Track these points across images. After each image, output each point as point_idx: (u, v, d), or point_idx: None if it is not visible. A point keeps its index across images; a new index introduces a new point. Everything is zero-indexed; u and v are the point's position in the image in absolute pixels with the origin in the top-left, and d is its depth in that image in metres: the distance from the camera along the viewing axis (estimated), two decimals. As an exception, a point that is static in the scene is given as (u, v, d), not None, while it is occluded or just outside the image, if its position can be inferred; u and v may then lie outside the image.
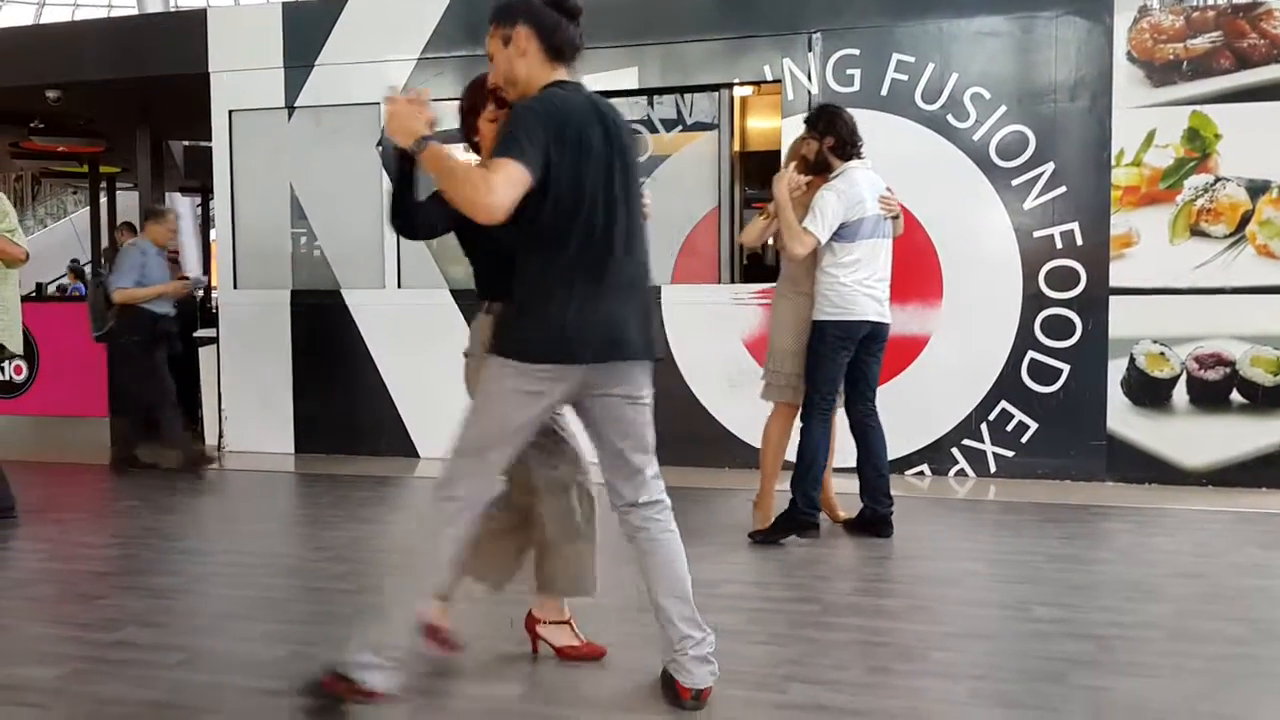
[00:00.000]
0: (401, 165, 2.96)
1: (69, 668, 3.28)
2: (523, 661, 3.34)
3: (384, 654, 2.75)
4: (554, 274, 2.73)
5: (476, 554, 3.19)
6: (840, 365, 4.84)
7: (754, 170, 7.90)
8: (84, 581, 4.39)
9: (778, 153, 6.81)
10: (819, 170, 4.95)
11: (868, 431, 5.03)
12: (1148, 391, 6.28)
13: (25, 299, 9.61)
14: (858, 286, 4.80)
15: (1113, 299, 6.30)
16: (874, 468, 5.02)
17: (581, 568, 3.28)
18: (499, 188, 2.52)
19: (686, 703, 2.90)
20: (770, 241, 5.30)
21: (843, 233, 4.78)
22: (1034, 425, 6.42)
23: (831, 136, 4.87)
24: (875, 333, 4.90)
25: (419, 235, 3.26)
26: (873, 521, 5.03)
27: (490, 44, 2.87)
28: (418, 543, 2.87)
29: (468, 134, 3.30)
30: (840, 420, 5.10)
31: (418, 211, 3.11)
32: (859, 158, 4.92)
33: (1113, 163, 6.27)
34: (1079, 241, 6.33)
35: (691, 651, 2.90)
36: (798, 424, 4.96)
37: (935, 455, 6.58)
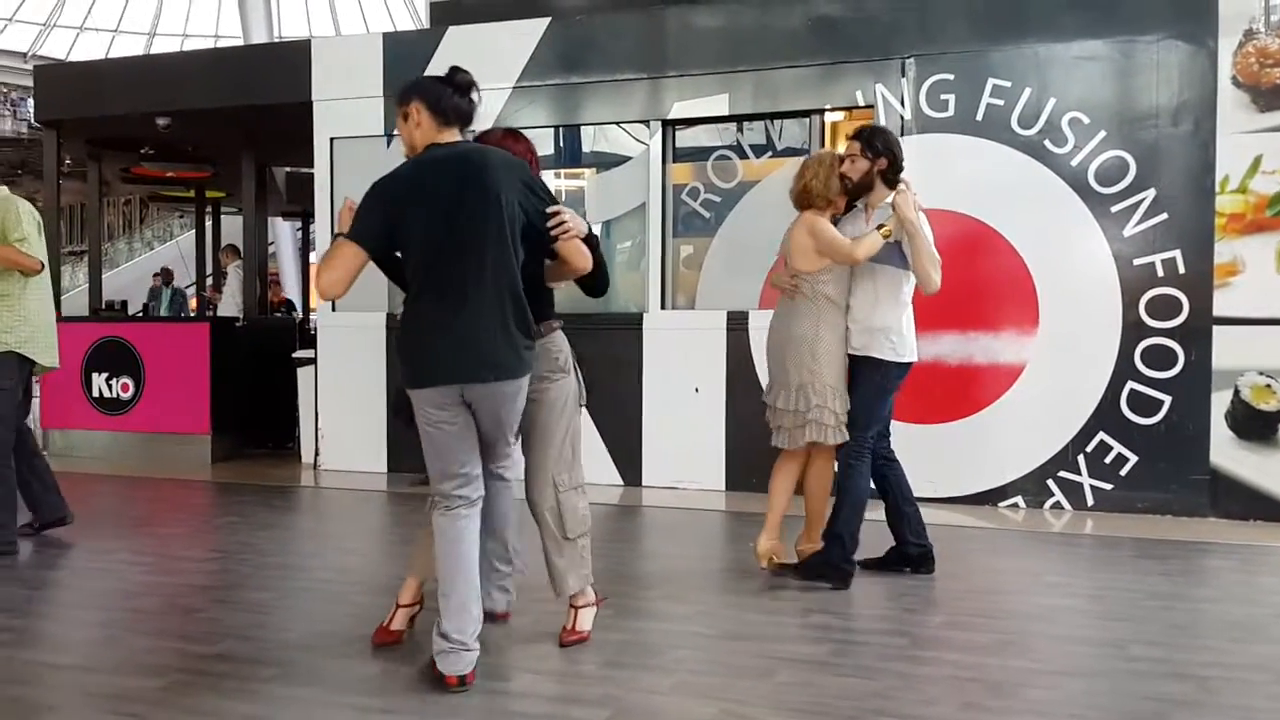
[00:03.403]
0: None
1: (169, 679, 3.38)
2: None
3: (453, 639, 3.23)
4: (416, 308, 3.33)
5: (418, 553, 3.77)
6: (891, 406, 4.67)
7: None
8: (184, 595, 4.52)
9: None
10: (859, 194, 4.62)
11: (893, 469, 4.78)
12: (1253, 424, 6.07)
13: (132, 319, 9.98)
14: (911, 325, 4.60)
15: (1216, 329, 6.12)
16: (909, 502, 4.78)
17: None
18: (329, 270, 3.25)
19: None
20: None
21: (906, 264, 4.53)
22: (1134, 458, 6.25)
23: (886, 159, 4.55)
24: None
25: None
26: (918, 559, 4.77)
27: (397, 123, 3.45)
28: (438, 545, 3.37)
29: None
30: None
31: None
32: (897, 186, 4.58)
33: (1217, 189, 6.10)
34: (1181, 269, 6.17)
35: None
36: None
37: (1030, 487, 6.44)
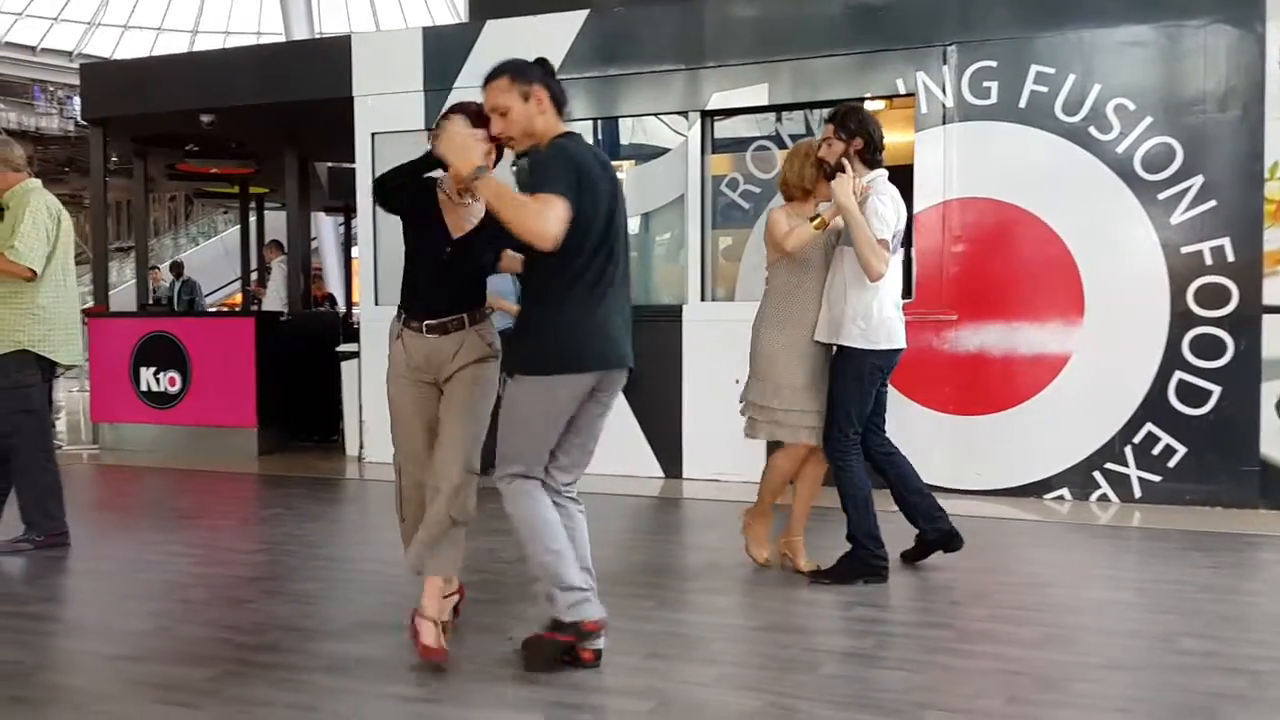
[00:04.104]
0: (425, 165, 3.54)
1: (219, 669, 3.43)
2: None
3: (584, 586, 3.30)
4: (570, 295, 3.29)
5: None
6: (872, 397, 4.52)
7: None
8: (233, 586, 4.58)
9: (910, 167, 6.72)
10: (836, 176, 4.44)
11: (893, 460, 4.69)
12: (1306, 415, 5.98)
13: (177, 313, 10.11)
14: (893, 309, 4.42)
15: (1266, 318, 6.01)
16: (916, 491, 4.67)
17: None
18: (555, 220, 3.06)
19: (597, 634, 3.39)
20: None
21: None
22: (1182, 449, 6.17)
23: (861, 138, 4.39)
24: (898, 359, 4.56)
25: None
26: (940, 541, 4.69)
27: (502, 96, 3.30)
28: (531, 511, 3.36)
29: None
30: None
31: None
32: (880, 165, 4.49)
33: (1266, 175, 6.00)
34: (1230, 257, 6.07)
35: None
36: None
37: (1076, 479, 6.37)
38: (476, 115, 3.49)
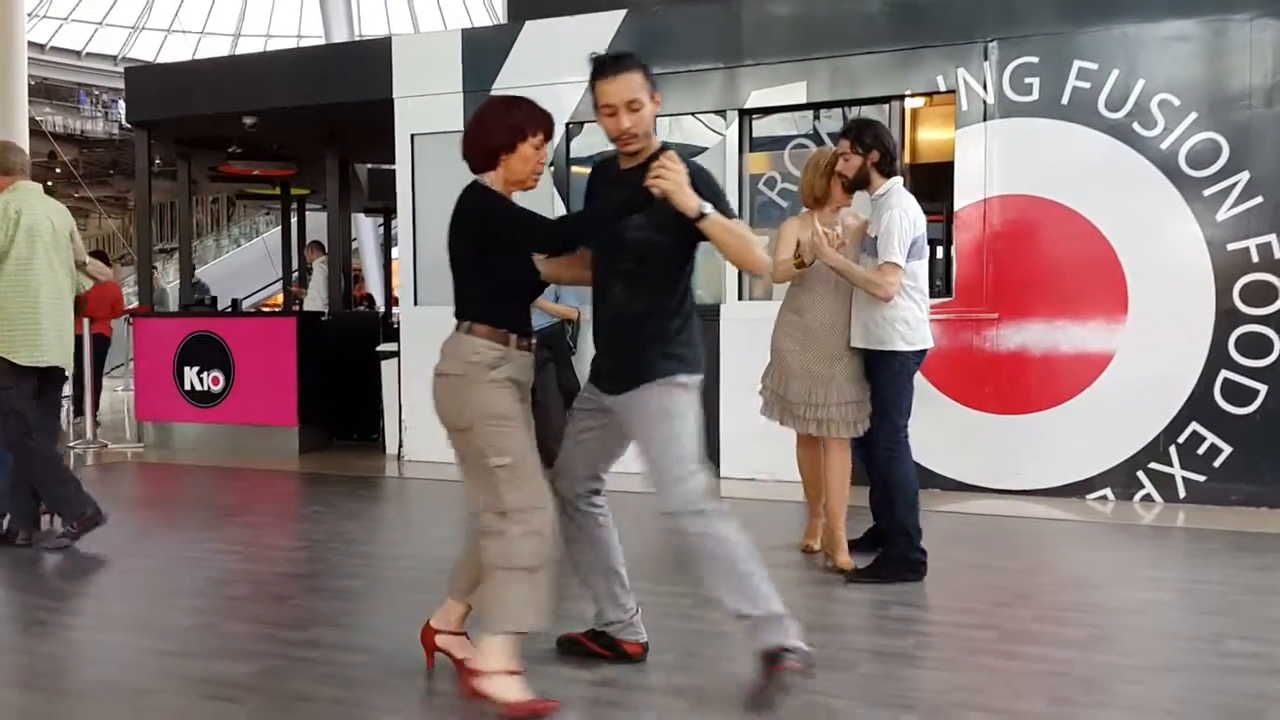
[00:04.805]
0: (629, 208, 3.05)
1: (262, 664, 3.46)
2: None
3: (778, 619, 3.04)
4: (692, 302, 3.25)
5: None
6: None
7: (924, 183, 7.74)
8: (275, 582, 4.63)
9: (949, 164, 6.67)
10: (857, 188, 4.64)
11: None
12: (1356, 414, 5.87)
13: (220, 313, 10.22)
14: (923, 311, 4.55)
15: (1315, 315, 5.93)
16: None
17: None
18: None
19: (641, 656, 3.40)
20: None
21: (910, 252, 4.48)
22: (1228, 449, 6.08)
23: (877, 151, 4.53)
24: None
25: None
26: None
27: (639, 90, 3.06)
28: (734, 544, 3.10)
29: None
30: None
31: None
32: (896, 174, 4.61)
33: (1316, 171, 5.91)
34: (1277, 255, 5.97)
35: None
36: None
37: (1119, 479, 6.30)
38: (528, 125, 3.17)
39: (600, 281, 3.29)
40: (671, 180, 2.88)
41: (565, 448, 3.40)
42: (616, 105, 3.06)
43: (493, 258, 3.12)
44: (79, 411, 9.59)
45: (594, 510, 3.39)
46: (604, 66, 3.09)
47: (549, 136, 3.20)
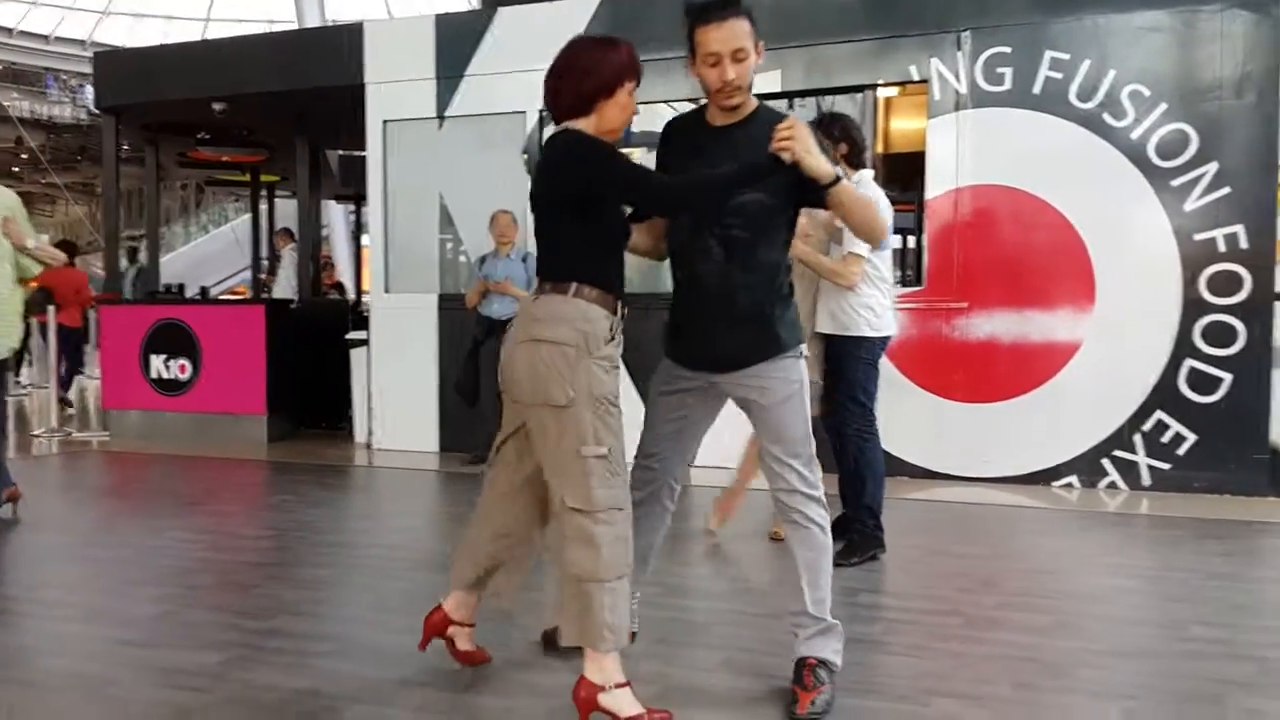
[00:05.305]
0: (756, 174, 2.80)
1: (227, 654, 3.43)
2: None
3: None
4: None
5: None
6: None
7: (898, 172, 7.76)
8: (240, 571, 4.59)
9: (922, 154, 6.69)
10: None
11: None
12: (1319, 403, 5.94)
13: (189, 301, 10.13)
14: (888, 300, 4.63)
15: (1279, 305, 5.98)
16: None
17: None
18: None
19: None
20: None
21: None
22: (1192, 437, 6.14)
23: (846, 143, 4.59)
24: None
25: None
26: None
27: (746, 39, 2.83)
28: (827, 543, 3.06)
29: None
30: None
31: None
32: (865, 166, 4.68)
33: (1281, 162, 5.96)
34: (1243, 245, 6.03)
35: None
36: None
37: (1084, 467, 6.35)
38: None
39: (695, 248, 2.98)
40: (802, 144, 2.68)
41: (659, 434, 3.27)
42: (721, 54, 2.83)
43: (594, 209, 2.84)
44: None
45: (669, 501, 3.39)
46: (708, 10, 2.83)
47: (638, 85, 2.99)
